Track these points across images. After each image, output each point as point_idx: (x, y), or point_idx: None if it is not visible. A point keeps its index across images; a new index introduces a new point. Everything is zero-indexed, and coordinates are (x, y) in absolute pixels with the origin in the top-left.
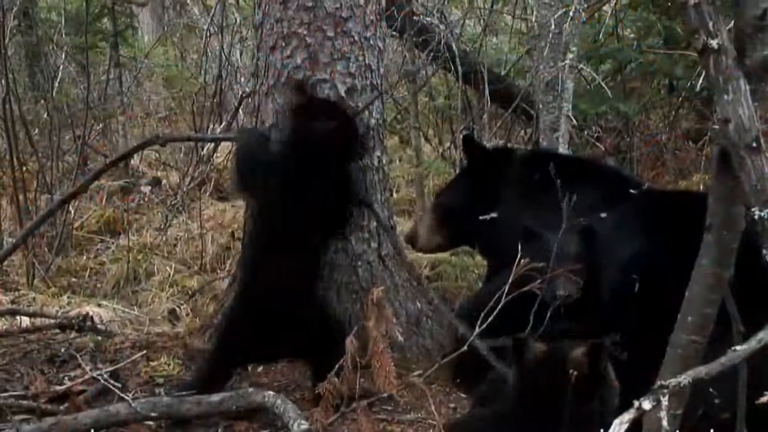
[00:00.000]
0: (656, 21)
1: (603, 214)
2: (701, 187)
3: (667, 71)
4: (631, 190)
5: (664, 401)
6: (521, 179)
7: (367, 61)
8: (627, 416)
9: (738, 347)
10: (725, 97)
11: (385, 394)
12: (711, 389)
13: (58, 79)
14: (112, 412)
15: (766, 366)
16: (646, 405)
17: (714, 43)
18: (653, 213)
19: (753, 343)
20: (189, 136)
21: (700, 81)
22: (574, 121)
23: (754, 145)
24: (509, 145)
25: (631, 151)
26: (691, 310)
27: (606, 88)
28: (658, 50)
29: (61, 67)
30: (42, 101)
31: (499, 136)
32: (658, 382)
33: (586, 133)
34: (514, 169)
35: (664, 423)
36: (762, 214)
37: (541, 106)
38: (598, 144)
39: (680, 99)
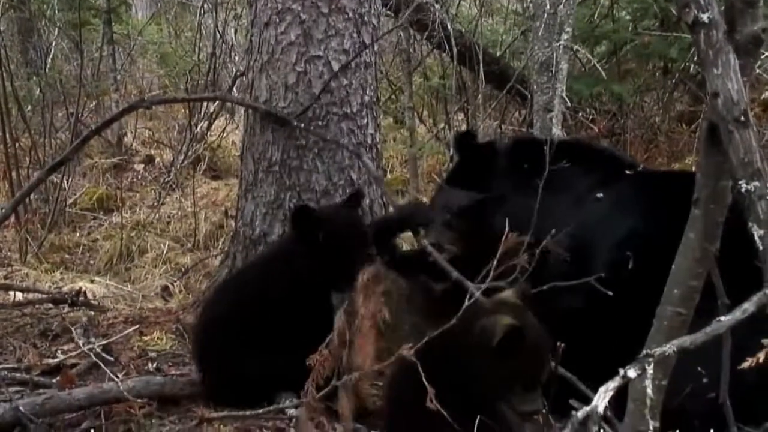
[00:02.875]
0: (652, 3)
1: (599, 194)
2: (694, 170)
3: (662, 53)
4: (627, 171)
5: (649, 370)
6: (511, 170)
7: (361, 38)
8: (612, 384)
9: (723, 318)
10: (714, 71)
11: (375, 368)
12: (699, 368)
13: (50, 56)
14: (105, 388)
15: (751, 342)
16: (631, 373)
17: (705, 17)
18: (649, 192)
19: (737, 314)
20: (174, 98)
21: (694, 63)
22: (568, 102)
23: (742, 119)
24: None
25: (625, 133)
26: (677, 282)
27: (601, 69)
28: (653, 32)
29: (53, 44)
30: (35, 78)
31: (494, 117)
32: (644, 351)
33: (580, 114)
34: (502, 161)
35: (649, 391)
36: (749, 187)
37: (535, 86)
38: (592, 126)
39: (674, 81)
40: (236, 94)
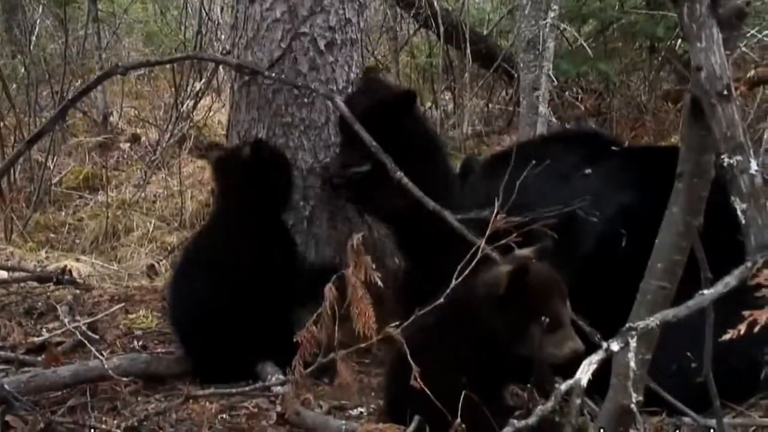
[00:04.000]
0: None
1: (587, 171)
2: None
3: (648, 32)
4: (613, 148)
5: (633, 343)
6: (487, 179)
7: (347, 15)
8: (595, 357)
9: (705, 291)
10: (698, 44)
11: (362, 345)
12: (689, 353)
13: (35, 34)
14: (90, 366)
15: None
16: (615, 346)
17: None
18: (640, 167)
19: (720, 287)
20: (147, 61)
21: (679, 43)
22: (555, 81)
23: (725, 92)
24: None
25: (611, 111)
26: (661, 256)
27: (587, 48)
28: (640, 11)
29: (38, 21)
30: (19, 56)
31: (481, 96)
32: (627, 324)
33: (566, 93)
34: (477, 175)
35: (632, 364)
36: (731, 161)
37: (522, 64)
38: (578, 104)
39: (661, 60)
40: (222, 74)
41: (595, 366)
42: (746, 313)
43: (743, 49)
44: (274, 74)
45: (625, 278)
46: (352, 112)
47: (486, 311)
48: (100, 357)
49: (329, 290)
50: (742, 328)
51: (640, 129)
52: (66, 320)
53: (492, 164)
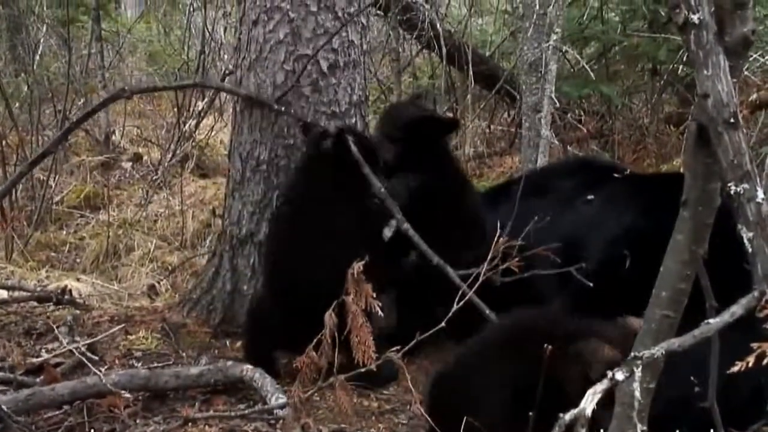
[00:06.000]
0: (641, 4)
1: (590, 197)
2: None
3: (650, 55)
4: (614, 174)
5: (637, 372)
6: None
7: (350, 37)
8: (600, 387)
9: (711, 320)
10: (704, 72)
11: (362, 369)
12: (692, 377)
13: (39, 53)
14: (89, 383)
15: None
16: (619, 376)
17: (695, 18)
18: (643, 192)
19: (726, 317)
20: (155, 86)
21: (682, 66)
22: (557, 103)
23: (732, 120)
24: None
25: (613, 134)
26: (665, 285)
27: (590, 70)
28: (642, 34)
29: (42, 41)
30: (23, 75)
31: (483, 117)
32: (632, 354)
33: (569, 115)
34: None
35: (637, 394)
36: (738, 189)
37: (524, 87)
38: (580, 127)
39: (663, 83)
40: (224, 95)
41: (599, 396)
42: (755, 345)
43: (745, 72)
44: (283, 108)
45: (628, 305)
46: (399, 116)
47: (572, 386)
48: (98, 373)
49: (329, 317)
50: (751, 360)
51: (642, 151)
52: (65, 341)
53: (489, 197)
